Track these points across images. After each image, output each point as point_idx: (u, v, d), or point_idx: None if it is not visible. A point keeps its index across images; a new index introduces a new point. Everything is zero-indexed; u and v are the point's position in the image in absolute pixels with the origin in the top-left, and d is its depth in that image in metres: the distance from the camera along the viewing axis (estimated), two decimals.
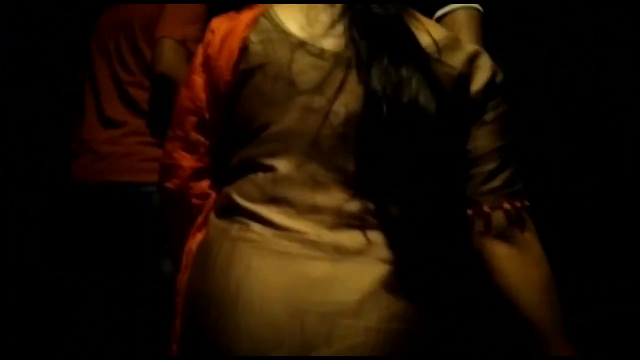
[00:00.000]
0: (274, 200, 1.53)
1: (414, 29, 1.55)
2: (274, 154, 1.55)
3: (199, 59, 1.66)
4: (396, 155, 1.49)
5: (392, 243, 1.50)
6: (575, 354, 1.56)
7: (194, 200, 1.69)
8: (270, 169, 1.55)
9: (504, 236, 1.56)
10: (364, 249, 1.49)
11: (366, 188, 1.51)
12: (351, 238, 1.50)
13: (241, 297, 1.48)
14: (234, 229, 1.55)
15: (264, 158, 1.56)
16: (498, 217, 1.56)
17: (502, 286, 1.56)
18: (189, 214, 1.69)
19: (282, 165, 1.54)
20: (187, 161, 1.68)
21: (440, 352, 1.53)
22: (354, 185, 1.51)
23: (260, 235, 1.52)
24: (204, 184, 1.69)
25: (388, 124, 1.49)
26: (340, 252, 1.49)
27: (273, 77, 1.55)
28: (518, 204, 1.57)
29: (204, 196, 1.69)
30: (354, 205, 1.51)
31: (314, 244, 1.49)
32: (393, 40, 1.52)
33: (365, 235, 1.50)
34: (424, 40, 1.54)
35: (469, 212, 1.58)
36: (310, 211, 1.51)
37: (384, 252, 1.49)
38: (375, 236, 1.50)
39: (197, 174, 1.69)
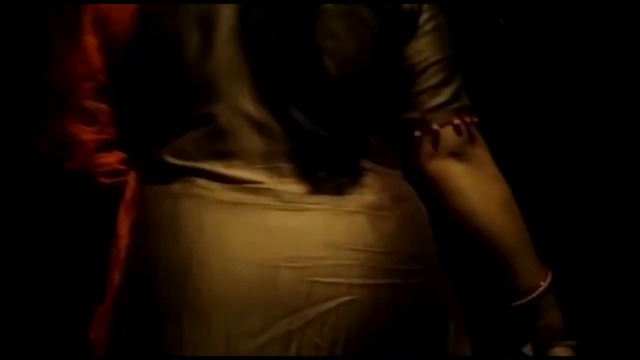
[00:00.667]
0: (217, 155, 1.38)
1: None
2: (204, 101, 1.38)
3: (86, 17, 1.50)
4: (332, 84, 1.37)
5: (351, 189, 1.38)
6: (549, 277, 1.46)
7: (103, 180, 1.51)
8: (204, 119, 1.37)
9: (457, 154, 1.46)
10: (325, 197, 1.37)
11: (309, 129, 1.37)
12: (309, 185, 1.37)
13: (194, 259, 1.31)
14: (175, 187, 1.37)
15: (194, 108, 1.38)
16: (448, 134, 1.46)
17: (460, 208, 1.45)
18: (100, 197, 1.49)
19: (217, 111, 1.37)
20: (86, 134, 1.51)
21: (424, 304, 1.41)
22: (297, 126, 1.37)
23: (208, 190, 1.35)
24: (112, 159, 1.52)
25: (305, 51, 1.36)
26: (299, 200, 1.36)
27: (182, 16, 1.39)
28: (467, 119, 1.47)
29: (116, 174, 1.51)
30: (303, 149, 1.37)
31: (270, 193, 1.35)
32: None
33: (322, 182, 1.37)
34: None
35: (417, 133, 1.46)
36: (260, 159, 1.37)
37: (345, 199, 1.38)
38: (333, 181, 1.38)
39: (101, 148, 1.52)
